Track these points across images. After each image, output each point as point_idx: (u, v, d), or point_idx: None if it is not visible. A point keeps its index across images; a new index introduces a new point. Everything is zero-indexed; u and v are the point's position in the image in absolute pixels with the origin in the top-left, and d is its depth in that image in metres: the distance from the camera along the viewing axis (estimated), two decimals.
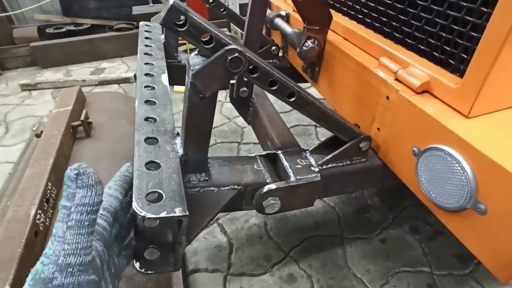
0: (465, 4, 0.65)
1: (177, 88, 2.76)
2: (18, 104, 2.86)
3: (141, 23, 1.35)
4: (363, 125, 0.93)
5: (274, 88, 0.66)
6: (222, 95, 2.73)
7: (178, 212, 0.49)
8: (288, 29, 1.24)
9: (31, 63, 3.60)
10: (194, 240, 1.16)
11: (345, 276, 1.40)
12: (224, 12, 1.43)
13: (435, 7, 0.72)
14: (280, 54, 1.55)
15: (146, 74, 0.94)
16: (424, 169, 0.70)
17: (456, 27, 0.68)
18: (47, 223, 1.01)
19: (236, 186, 0.72)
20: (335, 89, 1.08)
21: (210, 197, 0.69)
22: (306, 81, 1.36)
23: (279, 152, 0.84)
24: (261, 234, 1.60)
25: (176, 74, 1.20)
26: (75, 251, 0.37)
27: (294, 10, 1.37)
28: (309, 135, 2.31)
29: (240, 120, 2.41)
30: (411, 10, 0.80)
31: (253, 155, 0.83)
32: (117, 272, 0.52)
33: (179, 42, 1.72)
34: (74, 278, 0.37)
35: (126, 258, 0.56)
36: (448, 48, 0.71)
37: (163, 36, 1.26)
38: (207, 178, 0.70)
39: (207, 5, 1.41)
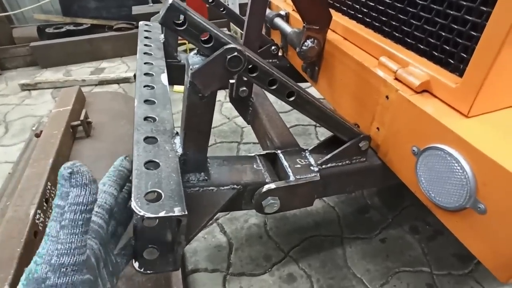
0: (464, 3, 0.65)
1: (177, 87, 2.75)
2: (17, 104, 2.86)
3: (140, 22, 1.35)
4: (363, 125, 0.93)
5: (274, 87, 0.66)
6: (222, 95, 2.73)
7: (177, 211, 0.48)
8: (287, 28, 1.23)
9: (30, 63, 3.60)
10: (194, 240, 1.16)
11: (345, 276, 1.40)
12: (224, 12, 1.43)
13: (435, 6, 0.72)
14: (280, 54, 1.55)
15: (146, 74, 0.94)
16: (424, 169, 0.69)
17: (455, 27, 0.68)
18: (46, 223, 1.01)
19: (235, 186, 0.72)
20: (335, 88, 1.08)
21: (209, 197, 0.69)
22: (306, 81, 1.35)
23: (279, 151, 0.84)
24: (260, 234, 1.59)
25: (176, 73, 1.20)
26: (68, 251, 0.37)
27: (293, 10, 1.37)
28: (308, 134, 2.31)
29: (240, 120, 2.40)
30: (410, 9, 0.80)
31: (252, 154, 0.83)
32: (115, 270, 0.51)
33: (179, 41, 1.72)
34: (67, 278, 0.37)
35: (125, 257, 0.56)
36: (447, 48, 0.71)
37: (162, 36, 1.26)
38: (206, 177, 0.70)
39: (207, 5, 1.41)
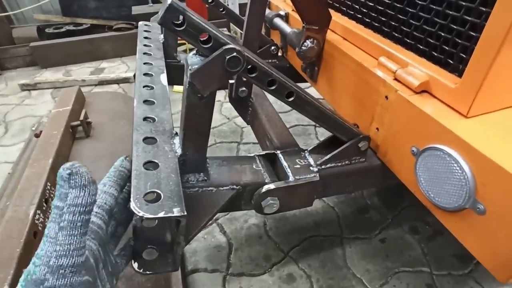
0: (464, 3, 0.65)
1: (176, 88, 2.75)
2: (17, 104, 2.86)
3: (140, 22, 1.35)
4: (362, 125, 0.93)
5: (273, 87, 0.66)
6: (222, 95, 2.73)
7: (176, 212, 0.48)
8: (287, 28, 1.24)
9: (30, 63, 3.60)
10: (193, 240, 1.16)
11: (345, 276, 1.40)
12: (224, 12, 1.43)
13: (434, 7, 0.72)
14: (279, 54, 1.54)
15: (145, 74, 0.94)
16: (423, 169, 0.69)
17: (455, 27, 0.68)
18: (46, 223, 1.01)
19: (234, 186, 0.72)
20: (334, 88, 1.08)
21: (208, 197, 0.69)
22: (305, 81, 1.35)
23: (278, 152, 0.84)
24: (260, 234, 1.59)
25: (175, 74, 1.20)
26: (67, 253, 0.37)
27: (293, 10, 1.37)
28: (308, 135, 2.31)
29: (240, 120, 2.40)
30: (410, 9, 0.80)
31: (252, 155, 0.83)
32: (114, 271, 0.51)
33: (178, 42, 1.72)
34: (66, 279, 0.37)
35: (125, 258, 0.56)
36: (447, 48, 0.71)
37: (162, 36, 1.26)
38: (205, 178, 0.70)
39: (207, 5, 1.41)
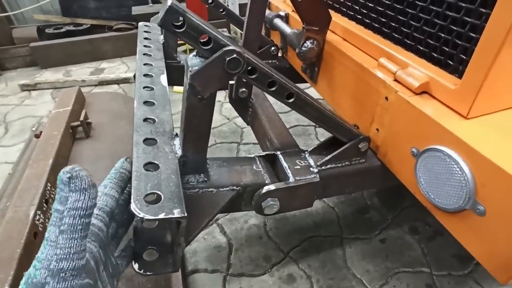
0: (464, 4, 0.65)
1: (176, 88, 2.75)
2: (17, 105, 2.86)
3: (140, 23, 1.35)
4: (362, 126, 0.93)
5: (273, 89, 0.66)
6: (222, 96, 2.73)
7: (176, 213, 0.49)
8: (287, 29, 1.24)
9: (30, 63, 3.60)
10: (194, 241, 1.16)
11: (345, 277, 1.40)
12: (224, 13, 1.43)
13: (434, 8, 0.72)
14: (279, 55, 1.54)
15: (145, 75, 0.94)
16: (423, 170, 0.70)
17: (455, 28, 0.68)
18: (46, 224, 1.01)
19: (235, 187, 0.72)
20: (334, 89, 1.08)
21: (209, 198, 0.69)
22: (305, 82, 1.36)
23: (278, 152, 0.84)
24: (260, 234, 1.60)
25: (175, 74, 1.20)
26: (67, 256, 0.37)
27: (293, 11, 1.37)
28: (308, 135, 2.31)
29: (240, 121, 2.40)
30: (410, 10, 0.80)
31: (252, 156, 0.83)
32: (115, 272, 0.51)
33: (178, 42, 1.71)
34: (66, 283, 0.37)
35: (125, 259, 0.56)
36: (447, 49, 0.71)
37: (162, 37, 1.26)
38: (206, 179, 0.70)
39: (207, 6, 1.41)
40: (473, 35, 0.63)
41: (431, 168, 0.67)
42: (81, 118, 1.41)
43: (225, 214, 1.69)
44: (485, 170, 0.57)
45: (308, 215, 1.69)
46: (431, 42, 0.75)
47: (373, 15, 0.94)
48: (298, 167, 0.79)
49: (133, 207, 0.47)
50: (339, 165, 0.84)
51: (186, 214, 0.49)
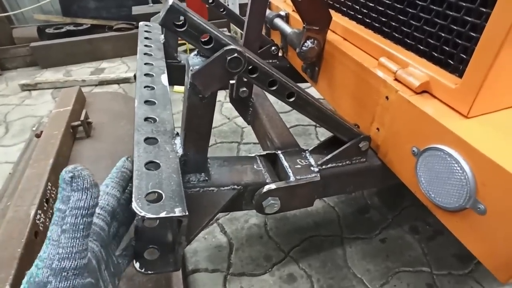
0: (464, 4, 0.65)
1: (177, 88, 2.76)
2: (18, 104, 2.86)
3: (140, 23, 1.36)
4: (363, 125, 0.93)
5: (274, 88, 0.66)
6: (222, 95, 2.73)
7: (177, 212, 0.49)
8: (287, 29, 1.24)
9: (31, 63, 3.60)
10: (194, 240, 1.16)
11: (345, 276, 1.41)
12: (224, 12, 1.43)
13: (435, 7, 0.72)
14: (280, 54, 1.55)
15: (146, 74, 0.94)
16: (424, 169, 0.70)
17: (455, 27, 0.68)
18: (47, 223, 1.01)
19: (235, 186, 0.72)
20: (335, 89, 1.09)
21: (209, 197, 0.69)
22: (306, 81, 1.36)
23: (279, 152, 0.84)
24: (261, 234, 1.60)
25: (176, 74, 1.21)
26: (69, 255, 0.37)
27: (293, 10, 1.38)
28: (309, 135, 2.31)
29: (240, 120, 2.41)
30: (410, 10, 0.80)
31: (252, 155, 0.83)
32: (116, 271, 0.51)
33: (179, 42, 1.72)
34: (68, 282, 0.37)
35: (127, 258, 0.56)
36: (447, 48, 0.71)
37: (162, 36, 1.26)
38: (206, 178, 0.70)
39: (207, 5, 1.41)
40: (474, 35, 0.63)
41: (432, 167, 0.67)
42: (82, 118, 1.41)
43: (226, 214, 1.69)
44: (485, 169, 0.57)
45: (309, 214, 1.69)
46: (432, 41, 0.75)
47: (374, 15, 0.95)
48: (298, 166, 0.79)
49: (134, 206, 0.47)
50: (340, 164, 0.84)
51: (187, 213, 0.49)
